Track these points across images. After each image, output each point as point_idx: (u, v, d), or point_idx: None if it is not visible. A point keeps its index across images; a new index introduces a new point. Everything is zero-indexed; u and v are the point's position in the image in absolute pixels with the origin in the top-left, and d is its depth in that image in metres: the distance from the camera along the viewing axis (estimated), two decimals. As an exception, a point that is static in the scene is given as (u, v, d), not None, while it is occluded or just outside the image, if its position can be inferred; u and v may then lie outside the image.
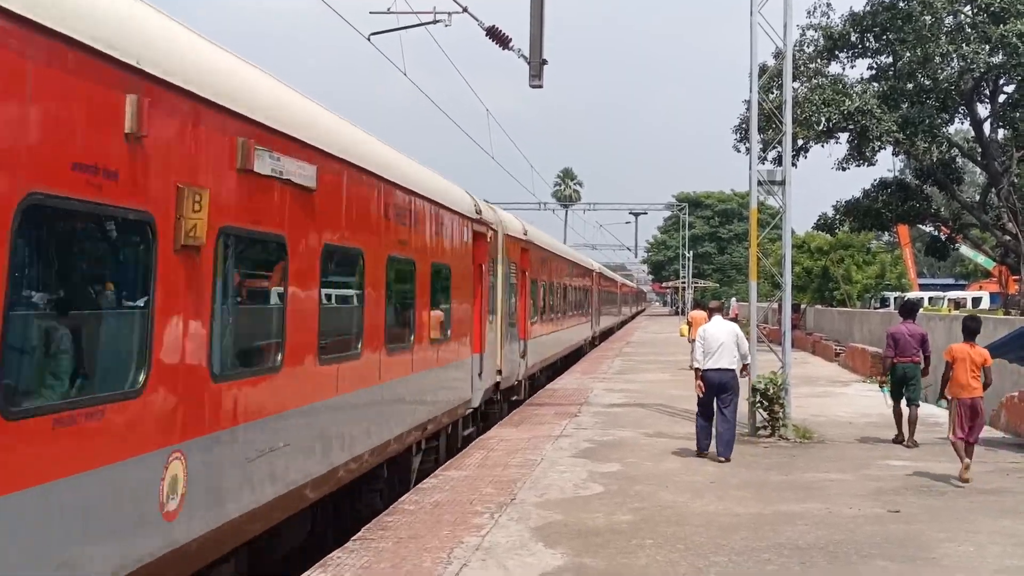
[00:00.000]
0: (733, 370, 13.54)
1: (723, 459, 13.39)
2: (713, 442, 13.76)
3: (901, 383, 15.11)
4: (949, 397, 12.49)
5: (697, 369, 13.70)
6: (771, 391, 15.55)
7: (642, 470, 12.81)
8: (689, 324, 32.29)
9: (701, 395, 13.65)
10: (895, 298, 58.61)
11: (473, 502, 10.71)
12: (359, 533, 9.36)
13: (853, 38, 36.95)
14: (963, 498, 11.23)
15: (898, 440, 15.08)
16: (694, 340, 18.89)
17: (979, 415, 12.13)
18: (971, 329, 12.72)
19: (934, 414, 19.52)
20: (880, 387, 17.02)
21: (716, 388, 13.51)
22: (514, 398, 21.09)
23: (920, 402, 15.23)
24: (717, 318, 14.12)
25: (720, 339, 13.49)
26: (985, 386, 12.26)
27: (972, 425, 12.09)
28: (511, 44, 17.98)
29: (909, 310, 16.06)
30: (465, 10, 18.20)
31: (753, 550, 8.79)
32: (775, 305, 47.74)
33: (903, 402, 15.17)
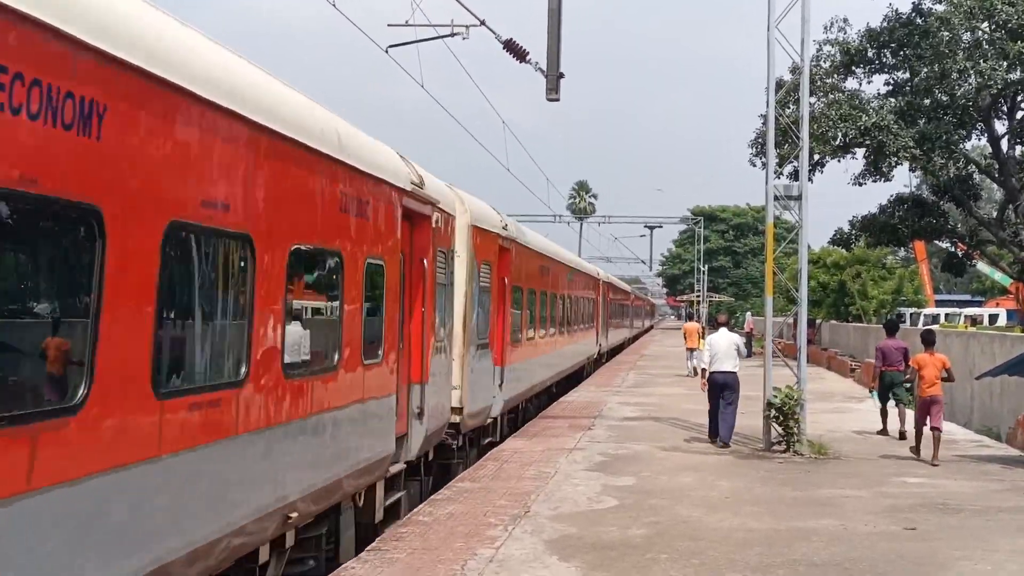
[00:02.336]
0: (735, 372, 16.22)
1: (723, 444, 16.01)
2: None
3: (889, 387, 17.87)
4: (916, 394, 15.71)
5: (704, 371, 16.64)
6: (786, 406, 15.52)
7: (657, 484, 12.79)
8: (685, 335, 34.44)
9: (705, 391, 16.62)
10: (911, 314, 58.40)
11: (487, 514, 10.72)
12: (373, 544, 9.38)
13: (870, 54, 36.88)
14: (979, 516, 11.18)
15: (882, 433, 17.91)
16: (690, 349, 26.33)
17: (939, 405, 15.13)
18: (928, 340, 15.80)
19: (949, 431, 19.43)
20: (870, 392, 19.98)
21: (720, 387, 16.23)
22: (486, 441, 16.77)
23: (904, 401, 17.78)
24: (723, 330, 16.87)
25: (724, 347, 16.35)
26: (949, 380, 15.67)
27: (931, 413, 14.96)
28: (528, 57, 18.04)
29: (892, 328, 19.42)
30: (483, 23, 18.26)
31: (768, 566, 8.76)
32: (791, 320, 47.59)
33: (890, 403, 17.94)
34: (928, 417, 15.01)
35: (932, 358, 15.32)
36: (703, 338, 27.70)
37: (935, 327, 48.48)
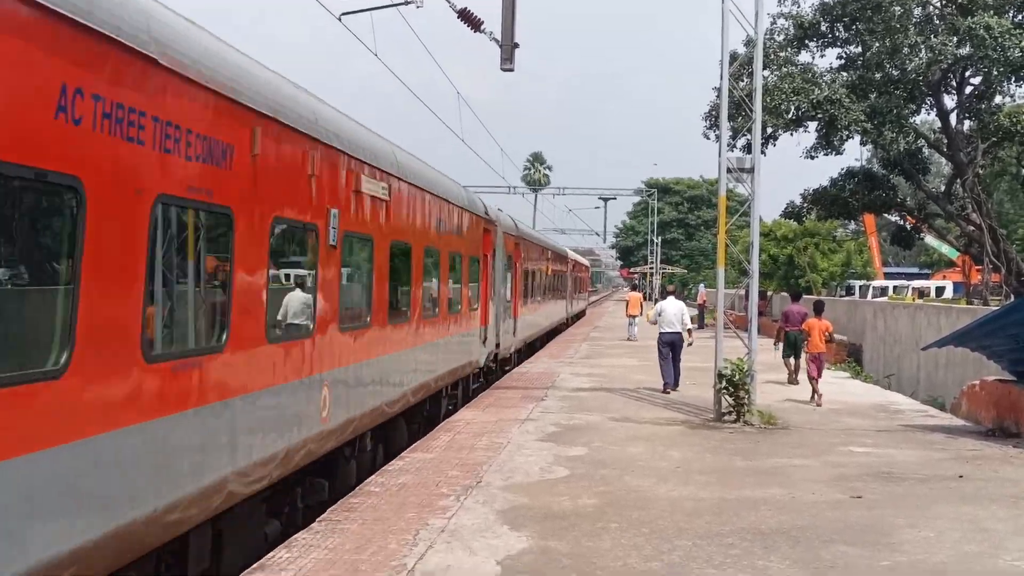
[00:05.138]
0: (680, 332, 19.97)
1: (673, 388, 19.64)
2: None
3: (793, 344, 21.54)
4: (807, 351, 19.70)
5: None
6: (736, 377, 15.66)
7: (608, 454, 12.87)
8: (627, 302, 39.68)
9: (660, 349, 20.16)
10: (860, 286, 59.15)
11: (439, 484, 10.73)
12: (324, 515, 9.35)
13: (823, 27, 37.14)
14: (923, 484, 11.38)
15: (791, 382, 21.27)
16: (631, 315, 35.89)
17: (822, 364, 19.26)
18: (818, 308, 20.15)
19: (895, 402, 19.78)
20: (774, 345, 23.15)
21: (669, 344, 19.91)
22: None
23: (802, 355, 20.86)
24: (671, 298, 20.89)
25: (672, 312, 20.20)
26: (831, 341, 20.43)
27: (820, 368, 18.95)
28: (483, 27, 17.90)
29: (796, 296, 24.00)
30: (437, -9, 18.07)
31: (716, 534, 8.86)
32: (742, 292, 48.03)
33: (791, 358, 21.72)
34: (815, 369, 18.72)
35: (819, 323, 19.28)
36: (643, 308, 36.54)
37: (883, 299, 49.24)
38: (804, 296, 27.58)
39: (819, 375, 18.78)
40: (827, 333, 19.35)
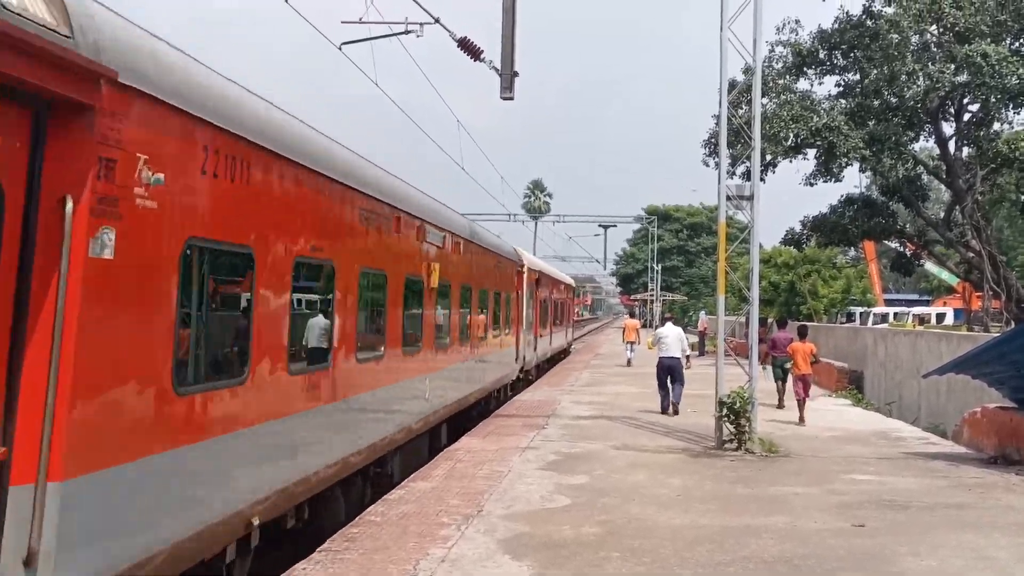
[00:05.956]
0: (679, 358, 20.70)
1: (674, 412, 20.30)
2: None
3: (782, 368, 22.41)
4: (793, 373, 21.25)
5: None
6: (737, 405, 15.64)
7: (609, 482, 12.83)
8: (624, 328, 41.98)
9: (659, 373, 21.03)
10: (860, 313, 59.12)
11: (439, 513, 10.69)
12: (324, 545, 9.31)
13: (821, 55, 37.29)
14: (926, 512, 11.34)
15: (780, 407, 22.06)
16: (629, 342, 38.50)
17: (808, 384, 20.70)
18: (802, 332, 22.33)
19: (897, 429, 19.73)
20: (763, 367, 22.18)
21: (667, 369, 20.65)
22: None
23: (788, 376, 22.26)
24: (669, 324, 21.61)
25: (671, 338, 20.86)
26: (816, 363, 21.77)
27: (807, 388, 20.46)
28: (482, 56, 17.99)
29: (781, 324, 25.18)
30: (437, 21, 18.20)
31: (718, 563, 8.82)
32: (743, 319, 47.99)
33: (779, 382, 22.65)
34: (802, 389, 20.34)
35: (803, 346, 21.02)
36: (639, 335, 39.53)
37: (884, 326, 49.21)
38: (795, 323, 29.67)
39: (806, 394, 20.27)
40: (812, 355, 20.93)
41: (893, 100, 35.33)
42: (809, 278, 56.06)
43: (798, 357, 20.71)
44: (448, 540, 9.46)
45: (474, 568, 8.50)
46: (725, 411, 15.78)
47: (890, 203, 40.70)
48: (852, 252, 68.60)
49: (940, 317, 59.80)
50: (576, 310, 56.24)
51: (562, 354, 45.20)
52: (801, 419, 19.75)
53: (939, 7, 32.77)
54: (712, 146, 37.24)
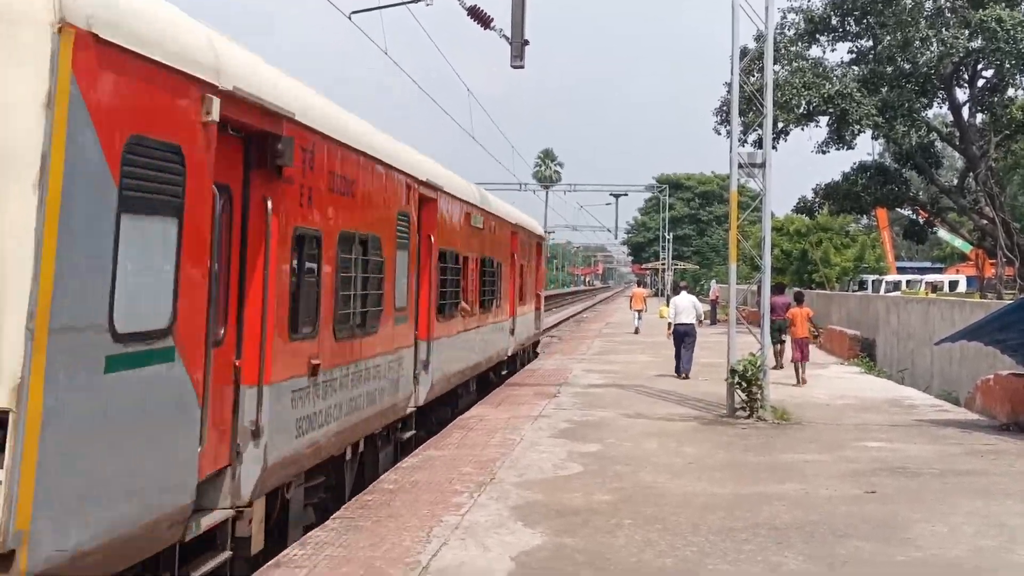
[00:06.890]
0: (692, 324, 21.77)
1: (685, 376, 21.40)
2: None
3: (779, 331, 22.77)
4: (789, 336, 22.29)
5: (669, 324, 22.32)
6: (749, 373, 15.65)
7: (621, 451, 12.87)
8: (632, 298, 42.17)
9: (670, 339, 22.25)
10: (873, 281, 58.93)
11: (452, 481, 10.75)
12: (338, 512, 9.39)
13: (834, 21, 36.95)
14: (938, 479, 11.36)
15: (776, 367, 22.35)
16: (637, 310, 39.42)
17: (807, 346, 21.57)
18: (799, 298, 23.96)
19: (909, 396, 19.73)
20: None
21: (682, 334, 21.72)
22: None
23: (785, 340, 23.33)
24: (684, 293, 22.82)
25: (684, 305, 21.98)
26: (813, 328, 22.87)
27: (805, 351, 21.25)
28: (493, 24, 17.92)
29: (779, 289, 24.65)
30: (447, -11, 18.09)
31: (730, 530, 8.86)
32: (755, 287, 47.94)
33: (777, 344, 23.23)
34: (804, 355, 21.19)
35: (801, 311, 22.13)
36: (646, 302, 40.71)
37: (896, 293, 49.06)
38: (801, 289, 30.45)
39: (804, 358, 21.23)
40: (809, 320, 22.20)
41: (906, 66, 35.03)
42: (821, 246, 55.85)
43: (798, 321, 21.68)
44: (461, 507, 9.52)
45: (487, 535, 8.55)
46: (737, 379, 15.79)
47: (903, 170, 40.42)
48: (864, 220, 68.30)
49: (953, 285, 59.53)
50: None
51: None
52: (802, 380, 20.76)
53: (953, -28, 32.44)
54: (724, 114, 36.99)
